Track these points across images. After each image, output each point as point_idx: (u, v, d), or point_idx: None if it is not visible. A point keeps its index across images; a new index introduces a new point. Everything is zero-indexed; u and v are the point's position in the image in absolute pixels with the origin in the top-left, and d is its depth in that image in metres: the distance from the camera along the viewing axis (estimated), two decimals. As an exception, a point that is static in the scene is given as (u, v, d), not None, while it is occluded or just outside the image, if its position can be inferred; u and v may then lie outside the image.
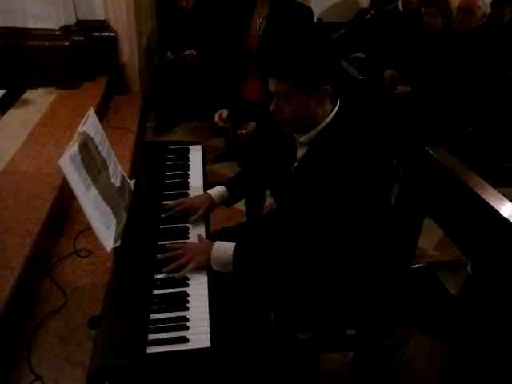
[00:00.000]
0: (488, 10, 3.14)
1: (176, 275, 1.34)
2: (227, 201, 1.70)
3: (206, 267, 1.38)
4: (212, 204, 1.63)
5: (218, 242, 1.43)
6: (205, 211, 1.59)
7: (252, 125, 2.18)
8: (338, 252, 1.37)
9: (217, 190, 1.67)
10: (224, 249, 1.40)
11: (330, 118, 1.39)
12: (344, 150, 1.34)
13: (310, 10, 2.30)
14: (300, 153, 1.48)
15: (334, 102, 1.40)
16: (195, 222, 1.58)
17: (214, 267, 1.39)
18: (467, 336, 1.80)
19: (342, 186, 1.31)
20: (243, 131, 2.18)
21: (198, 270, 1.36)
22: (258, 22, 2.25)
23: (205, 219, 1.61)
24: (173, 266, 1.35)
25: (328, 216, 1.34)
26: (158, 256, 1.40)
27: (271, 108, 1.41)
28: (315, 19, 4.63)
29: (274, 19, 2.19)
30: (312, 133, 1.41)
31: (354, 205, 1.33)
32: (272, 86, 1.37)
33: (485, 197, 1.55)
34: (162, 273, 1.35)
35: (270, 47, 1.45)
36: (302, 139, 1.44)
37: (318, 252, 1.37)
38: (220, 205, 1.68)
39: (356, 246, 1.41)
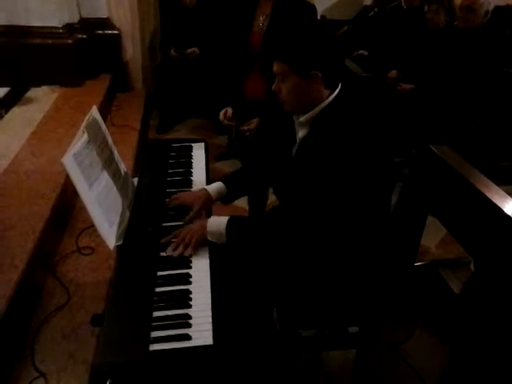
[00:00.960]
0: (491, 8, 3.13)
1: (184, 253, 1.40)
2: (225, 197, 1.70)
3: (206, 242, 1.43)
4: (208, 200, 1.64)
5: (212, 216, 1.49)
6: (200, 208, 1.60)
7: (255, 122, 2.19)
8: (340, 246, 1.37)
9: (214, 186, 1.68)
10: (219, 220, 1.46)
11: (330, 98, 1.42)
12: (345, 132, 1.36)
13: (313, 8, 2.29)
14: (301, 134, 1.50)
15: (332, 87, 1.42)
16: (198, 220, 1.58)
17: (209, 238, 1.44)
18: (470, 334, 1.79)
19: (345, 166, 1.32)
20: (246, 128, 2.18)
21: (199, 245, 1.42)
22: (261, 20, 2.24)
23: (207, 216, 1.61)
24: (174, 245, 1.42)
25: (330, 197, 1.35)
26: (162, 240, 1.44)
27: (272, 88, 1.47)
28: (318, 16, 4.64)
29: (278, 17, 2.19)
30: (311, 113, 1.44)
31: (356, 190, 1.34)
32: (274, 66, 1.44)
33: (488, 194, 1.54)
34: (164, 270, 1.35)
35: (275, 35, 1.53)
36: (302, 119, 1.46)
37: (321, 241, 1.37)
38: (217, 201, 1.69)
39: (359, 242, 1.40)
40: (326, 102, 1.42)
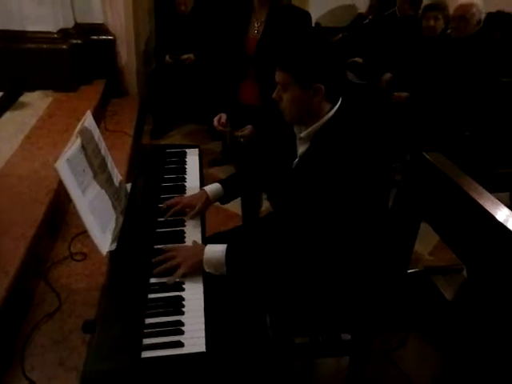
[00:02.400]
0: (483, 17, 3.16)
1: (167, 280, 1.32)
2: (222, 198, 1.71)
3: (198, 271, 1.37)
4: (207, 200, 1.65)
5: (209, 244, 1.42)
6: (201, 208, 1.61)
7: (249, 128, 2.19)
8: (334, 254, 1.37)
9: (212, 187, 1.69)
10: (216, 250, 1.39)
11: (330, 114, 1.42)
12: (346, 147, 1.36)
13: (308, 15, 2.31)
14: (301, 149, 1.50)
15: (333, 101, 1.42)
16: (191, 226, 1.57)
17: (207, 269, 1.38)
18: (462, 341, 1.79)
19: (343, 183, 1.32)
20: (240, 134, 2.18)
21: (189, 274, 1.35)
22: (256, 26, 2.25)
23: (201, 223, 1.60)
24: (162, 267, 1.35)
25: (328, 212, 1.34)
26: (153, 260, 1.39)
27: (272, 96, 1.46)
28: (313, 24, 4.66)
29: (272, 24, 2.19)
30: (312, 128, 1.43)
31: (353, 202, 1.34)
32: (276, 75, 1.43)
33: (481, 202, 1.55)
34: (157, 276, 1.34)
35: (277, 41, 1.51)
36: (302, 134, 1.46)
37: (315, 251, 1.37)
38: (215, 202, 1.70)
39: (353, 250, 1.41)
40: (327, 117, 1.41)
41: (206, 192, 1.67)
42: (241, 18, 2.29)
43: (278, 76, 1.42)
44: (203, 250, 1.39)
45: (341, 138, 1.38)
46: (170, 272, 1.35)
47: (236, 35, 2.30)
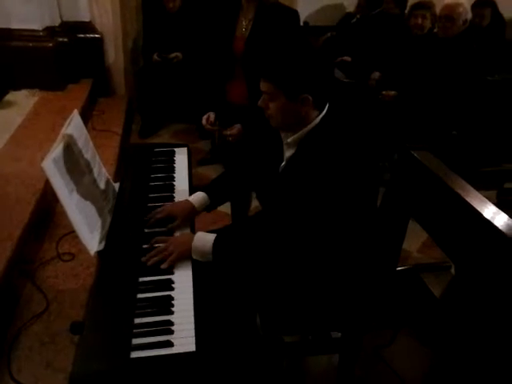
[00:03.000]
0: (469, 16, 3.19)
1: (161, 266, 1.36)
2: (208, 207, 1.69)
3: (188, 257, 1.40)
4: (192, 211, 1.63)
5: (199, 232, 1.45)
6: (184, 219, 1.59)
7: (237, 127, 2.18)
8: (323, 252, 1.38)
9: (197, 197, 1.65)
10: (205, 238, 1.43)
11: (317, 120, 1.41)
12: (332, 151, 1.36)
13: (296, 13, 2.30)
14: (288, 153, 1.49)
15: (321, 107, 1.41)
16: (181, 227, 1.57)
17: (193, 256, 1.41)
18: (451, 338, 1.81)
19: (330, 186, 1.32)
20: (228, 133, 2.18)
21: (180, 259, 1.39)
22: (244, 25, 2.24)
23: (191, 227, 1.60)
24: (154, 254, 1.38)
25: (314, 215, 1.35)
26: (143, 258, 1.39)
27: (258, 103, 1.45)
28: (301, 23, 4.67)
29: (260, 22, 2.19)
30: (298, 134, 1.43)
31: (341, 205, 1.34)
32: (261, 83, 1.41)
33: (468, 199, 1.56)
34: (145, 276, 1.34)
35: (262, 47, 1.49)
36: (289, 140, 1.45)
37: (304, 250, 1.37)
38: (201, 211, 1.67)
39: (341, 248, 1.41)
40: (314, 123, 1.41)
41: (191, 203, 1.63)
42: (228, 16, 2.28)
43: (264, 86, 1.40)
44: (192, 237, 1.43)
45: (327, 142, 1.38)
46: (160, 271, 1.36)
47: (224, 34, 2.29)
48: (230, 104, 2.36)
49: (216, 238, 1.42)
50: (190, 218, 1.62)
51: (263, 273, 1.45)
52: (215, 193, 1.69)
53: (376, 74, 3.78)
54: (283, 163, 1.52)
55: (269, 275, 1.46)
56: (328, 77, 1.43)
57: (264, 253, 1.40)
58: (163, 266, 1.37)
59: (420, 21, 3.46)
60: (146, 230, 1.54)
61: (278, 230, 1.43)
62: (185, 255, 1.40)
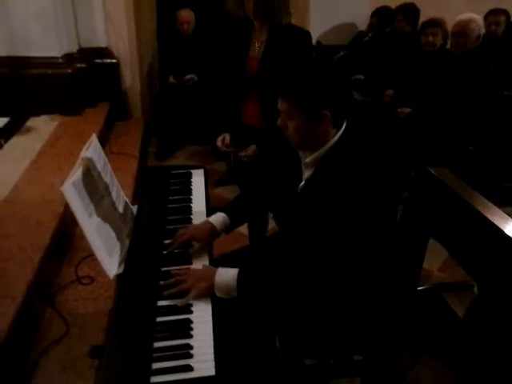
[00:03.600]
0: (482, 32, 3.19)
1: (178, 302, 1.32)
2: (228, 228, 1.67)
3: (209, 294, 1.36)
4: (214, 233, 1.61)
5: (220, 268, 1.41)
6: (205, 243, 1.58)
7: (252, 148, 2.19)
8: (344, 275, 1.36)
9: (219, 219, 1.64)
10: (227, 275, 1.38)
11: (336, 138, 1.41)
12: (352, 171, 1.35)
13: (308, 34, 2.32)
14: (307, 173, 1.49)
15: (339, 125, 1.41)
16: (198, 247, 1.57)
17: (217, 294, 1.37)
18: (474, 359, 1.76)
19: (350, 207, 1.31)
20: (243, 154, 2.19)
21: (200, 297, 1.35)
22: (256, 46, 2.27)
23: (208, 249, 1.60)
24: (174, 290, 1.35)
25: (335, 236, 1.33)
26: (161, 282, 1.39)
27: (277, 123, 1.44)
28: (314, 42, 4.71)
29: (273, 43, 2.21)
30: (317, 154, 1.42)
31: (361, 226, 1.32)
32: (279, 102, 1.41)
33: (489, 216, 1.54)
34: (164, 299, 1.33)
35: (277, 66, 1.49)
36: (307, 160, 1.45)
37: (325, 274, 1.36)
38: (222, 232, 1.65)
39: (362, 269, 1.39)
40: (332, 141, 1.40)
41: (213, 225, 1.61)
42: (241, 37, 2.31)
43: (281, 105, 1.40)
44: (214, 273, 1.38)
45: (346, 162, 1.37)
46: (179, 295, 1.34)
47: (237, 55, 2.32)
48: (245, 126, 2.38)
49: (239, 273, 1.38)
50: (211, 240, 1.61)
51: (286, 299, 1.42)
52: (234, 213, 1.68)
53: (390, 92, 3.79)
54: (302, 183, 1.51)
55: (290, 300, 1.44)
56: (345, 93, 1.42)
57: (287, 281, 1.38)
58: (181, 304, 1.32)
59: (431, 38, 3.48)
60: (165, 252, 1.54)
61: (297, 252, 1.41)
62: (205, 292, 1.36)
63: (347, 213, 1.31)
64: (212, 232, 1.60)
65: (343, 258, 1.34)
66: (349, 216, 1.31)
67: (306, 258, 1.38)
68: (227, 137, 2.27)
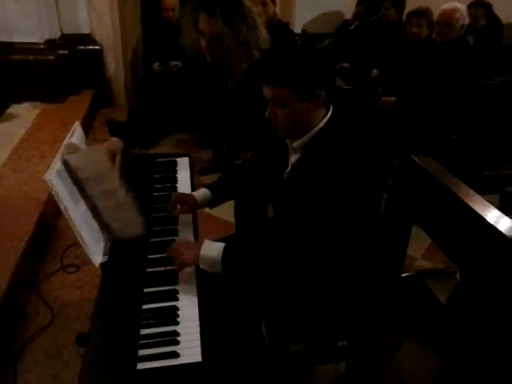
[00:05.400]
0: (467, 21, 3.21)
1: (167, 268, 1.38)
2: (210, 202, 1.71)
3: (194, 264, 1.39)
4: (195, 205, 1.67)
5: (206, 240, 1.42)
6: (188, 210, 1.65)
7: (250, 154, 2.18)
8: (329, 259, 1.37)
9: (200, 193, 1.70)
10: (213, 247, 1.39)
11: (322, 123, 1.41)
12: (337, 156, 1.35)
13: (292, 33, 2.27)
14: (293, 158, 1.49)
15: (327, 108, 1.42)
16: (184, 235, 1.57)
17: (201, 266, 1.38)
18: (458, 344, 1.80)
19: (335, 191, 1.32)
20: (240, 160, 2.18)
21: (186, 266, 1.39)
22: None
23: (194, 232, 1.61)
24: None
25: (321, 219, 1.34)
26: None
27: (266, 114, 1.43)
28: (300, 30, 4.71)
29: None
30: (305, 138, 1.43)
31: (346, 211, 1.33)
32: (268, 92, 1.38)
33: (471, 204, 1.56)
34: (151, 287, 1.34)
35: (268, 57, 1.47)
36: (295, 144, 1.45)
37: (310, 258, 1.37)
38: (204, 206, 1.71)
39: (346, 255, 1.41)
40: (319, 126, 1.41)
41: (193, 197, 1.67)
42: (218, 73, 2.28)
43: (272, 93, 1.37)
44: (200, 245, 1.40)
45: (332, 146, 1.38)
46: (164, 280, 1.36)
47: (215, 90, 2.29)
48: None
49: (225, 247, 1.39)
50: (192, 208, 1.66)
51: (271, 281, 1.44)
52: (217, 189, 1.72)
53: (374, 72, 3.81)
54: (288, 169, 1.52)
55: (275, 284, 1.45)
56: (332, 73, 1.43)
57: (273, 261, 1.40)
58: (169, 268, 1.38)
59: (415, 29, 3.49)
60: (151, 240, 1.54)
61: (283, 236, 1.42)
62: (190, 262, 1.39)
63: (332, 197, 1.32)
64: (194, 202, 1.66)
65: (328, 242, 1.35)
66: (333, 200, 1.32)
67: (291, 241, 1.39)
68: (249, 154, 2.23)
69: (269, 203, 2.38)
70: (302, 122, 1.40)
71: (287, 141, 1.50)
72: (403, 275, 2.21)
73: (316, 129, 1.41)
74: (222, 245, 1.40)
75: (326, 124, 1.41)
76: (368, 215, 1.42)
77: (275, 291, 1.48)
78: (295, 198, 1.42)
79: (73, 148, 1.42)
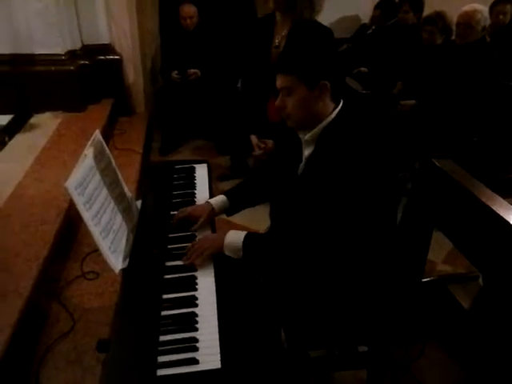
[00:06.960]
0: (487, 23, 3.17)
1: (195, 262, 1.43)
2: (227, 210, 1.72)
3: (218, 249, 1.45)
4: (212, 212, 1.66)
5: (231, 230, 1.48)
6: (205, 219, 1.63)
7: (271, 142, 2.18)
8: (347, 264, 1.36)
9: (217, 200, 1.70)
10: (237, 234, 1.46)
11: (333, 115, 1.42)
12: (352, 148, 1.35)
13: (329, 31, 2.28)
14: (307, 152, 1.49)
15: (337, 101, 1.42)
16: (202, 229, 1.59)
17: (226, 253, 1.45)
18: (482, 351, 1.76)
19: (351, 185, 1.31)
20: (263, 146, 2.18)
21: (214, 254, 1.45)
22: (276, 42, 2.25)
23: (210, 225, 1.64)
24: (190, 254, 1.44)
25: (337, 215, 1.33)
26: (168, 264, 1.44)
27: (276, 103, 1.45)
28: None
29: (294, 37, 2.18)
30: (316, 130, 1.43)
31: (362, 210, 1.32)
32: (278, 81, 1.42)
33: (493, 207, 1.53)
34: (169, 293, 1.34)
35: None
36: (306, 137, 1.46)
37: (327, 260, 1.36)
38: (221, 214, 1.71)
39: (366, 260, 1.39)
40: (330, 118, 1.42)
41: (211, 204, 1.67)
42: (263, 32, 2.29)
43: (282, 81, 1.41)
44: (224, 234, 1.47)
45: (346, 138, 1.38)
46: (183, 287, 1.37)
47: (259, 49, 2.29)
48: (271, 124, 2.34)
49: (246, 235, 1.45)
50: (210, 217, 1.66)
51: (287, 284, 1.44)
52: (235, 197, 1.72)
53: (399, 84, 3.77)
54: (302, 163, 1.51)
55: (293, 288, 1.44)
56: (342, 67, 1.45)
57: (290, 259, 1.40)
58: (197, 262, 1.42)
59: (427, 36, 3.46)
60: (170, 247, 1.55)
61: (298, 239, 1.42)
62: (217, 251, 1.45)
63: (347, 192, 1.31)
64: (209, 211, 1.66)
65: (345, 240, 1.34)
66: (349, 196, 1.31)
67: (307, 244, 1.38)
68: (254, 139, 2.26)
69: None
70: (310, 112, 1.41)
71: (300, 135, 1.50)
72: (424, 280, 2.18)
73: (326, 121, 1.42)
74: (244, 232, 1.46)
75: (336, 117, 1.42)
76: (384, 215, 1.41)
77: (294, 296, 1.48)
78: (310, 192, 1.42)
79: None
